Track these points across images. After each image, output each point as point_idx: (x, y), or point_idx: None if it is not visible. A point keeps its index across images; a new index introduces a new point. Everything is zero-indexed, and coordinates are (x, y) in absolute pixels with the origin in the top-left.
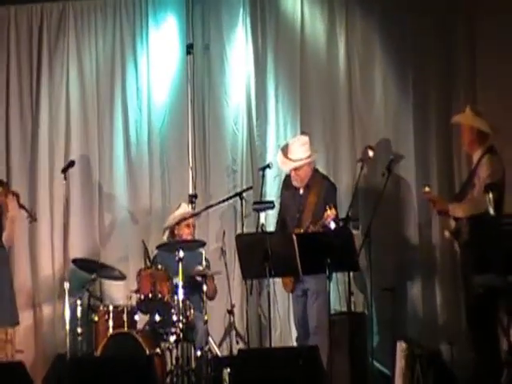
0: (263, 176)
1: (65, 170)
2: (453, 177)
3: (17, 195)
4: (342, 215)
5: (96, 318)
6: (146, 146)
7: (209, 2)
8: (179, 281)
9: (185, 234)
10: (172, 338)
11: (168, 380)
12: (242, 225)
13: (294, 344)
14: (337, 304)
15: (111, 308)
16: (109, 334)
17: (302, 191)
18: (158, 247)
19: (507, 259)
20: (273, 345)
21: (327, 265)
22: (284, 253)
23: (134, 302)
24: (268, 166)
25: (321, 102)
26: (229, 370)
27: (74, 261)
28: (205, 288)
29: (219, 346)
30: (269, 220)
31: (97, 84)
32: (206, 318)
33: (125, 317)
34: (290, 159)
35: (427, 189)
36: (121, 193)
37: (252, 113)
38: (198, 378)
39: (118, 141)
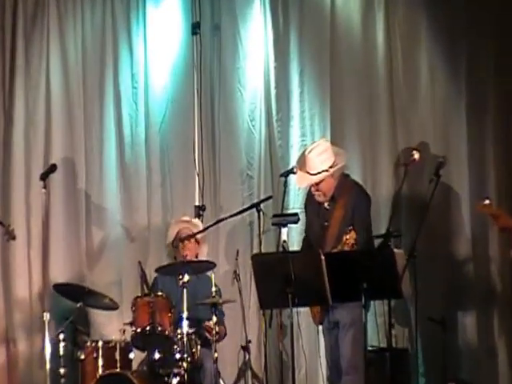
0: (285, 183)
1: (44, 177)
2: None
3: None
4: (382, 230)
5: (82, 356)
6: (143, 147)
7: None
8: (183, 311)
9: (190, 252)
10: (175, 381)
11: None
12: (260, 243)
13: None
14: (374, 338)
15: (101, 344)
16: (98, 376)
17: (326, 204)
18: (158, 270)
19: None
20: None
21: (363, 291)
22: (310, 277)
23: (128, 337)
24: (292, 171)
25: (355, 93)
26: None
27: (56, 286)
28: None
29: None
30: (292, 237)
31: (83, 72)
32: (215, 355)
33: (117, 354)
34: (308, 172)
35: (487, 201)
36: (112, 204)
37: (271, 106)
38: None
39: (109, 140)
